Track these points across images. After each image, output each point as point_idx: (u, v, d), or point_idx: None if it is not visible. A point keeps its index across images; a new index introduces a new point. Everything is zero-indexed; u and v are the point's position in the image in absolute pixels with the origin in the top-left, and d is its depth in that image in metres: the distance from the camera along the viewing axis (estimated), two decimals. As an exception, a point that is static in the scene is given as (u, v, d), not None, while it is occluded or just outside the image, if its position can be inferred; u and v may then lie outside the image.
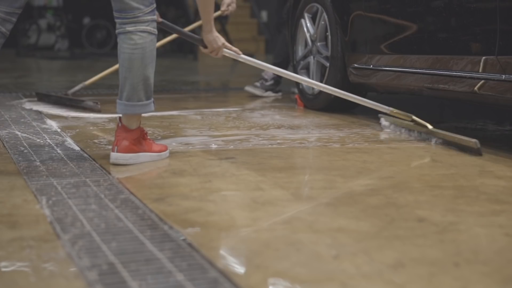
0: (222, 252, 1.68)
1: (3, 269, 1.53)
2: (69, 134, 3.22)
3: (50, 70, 5.20)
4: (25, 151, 2.81)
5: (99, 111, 4.06)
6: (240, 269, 1.56)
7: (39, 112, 3.98)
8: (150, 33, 2.58)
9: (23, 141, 3.01)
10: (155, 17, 2.61)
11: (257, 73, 5.40)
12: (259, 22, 10.77)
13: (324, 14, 4.11)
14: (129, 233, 1.76)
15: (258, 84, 5.20)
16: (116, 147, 2.59)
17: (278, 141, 3.16)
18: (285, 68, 5.19)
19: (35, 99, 4.59)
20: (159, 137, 3.20)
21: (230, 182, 2.36)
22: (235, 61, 9.09)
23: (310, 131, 3.57)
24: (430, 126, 3.14)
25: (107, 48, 10.38)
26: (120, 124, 2.62)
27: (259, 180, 2.38)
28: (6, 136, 3.13)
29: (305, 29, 4.35)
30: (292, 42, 4.52)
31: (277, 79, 5.21)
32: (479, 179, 2.41)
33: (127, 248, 1.65)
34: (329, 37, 4.06)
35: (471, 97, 3.10)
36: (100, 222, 1.85)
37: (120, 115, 2.63)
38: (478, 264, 1.58)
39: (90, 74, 4.80)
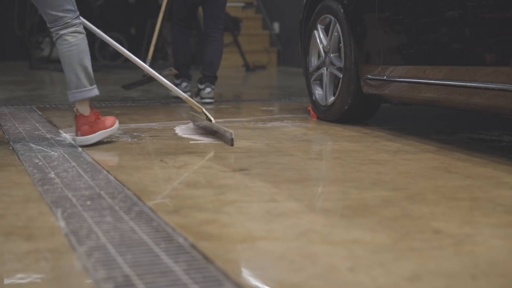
0: (237, 264, 1.67)
1: (19, 281, 1.54)
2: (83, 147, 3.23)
3: (63, 82, 5.18)
4: (40, 163, 2.81)
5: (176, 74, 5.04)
6: (255, 281, 1.55)
7: (53, 125, 3.99)
8: (79, 32, 3.21)
9: (37, 154, 3.02)
10: (80, 20, 3.25)
11: (270, 85, 5.41)
12: (271, 34, 10.79)
13: (337, 25, 4.11)
14: (144, 245, 1.76)
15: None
16: (79, 132, 3.21)
17: (292, 152, 3.16)
18: (187, 71, 5.55)
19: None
20: (173, 150, 3.20)
21: (244, 194, 2.36)
22: (247, 73, 9.13)
23: (324, 143, 3.56)
24: (213, 120, 3.60)
25: (119, 60, 10.40)
26: (77, 113, 3.22)
27: (273, 192, 2.37)
28: (21, 149, 3.14)
29: (318, 40, 4.35)
30: (305, 54, 4.51)
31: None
32: (495, 191, 2.40)
33: (142, 260, 1.65)
34: (342, 48, 4.06)
35: (486, 108, 3.09)
36: (115, 234, 1.85)
37: (75, 107, 3.22)
38: (495, 277, 1.57)
39: (103, 87, 4.82)
